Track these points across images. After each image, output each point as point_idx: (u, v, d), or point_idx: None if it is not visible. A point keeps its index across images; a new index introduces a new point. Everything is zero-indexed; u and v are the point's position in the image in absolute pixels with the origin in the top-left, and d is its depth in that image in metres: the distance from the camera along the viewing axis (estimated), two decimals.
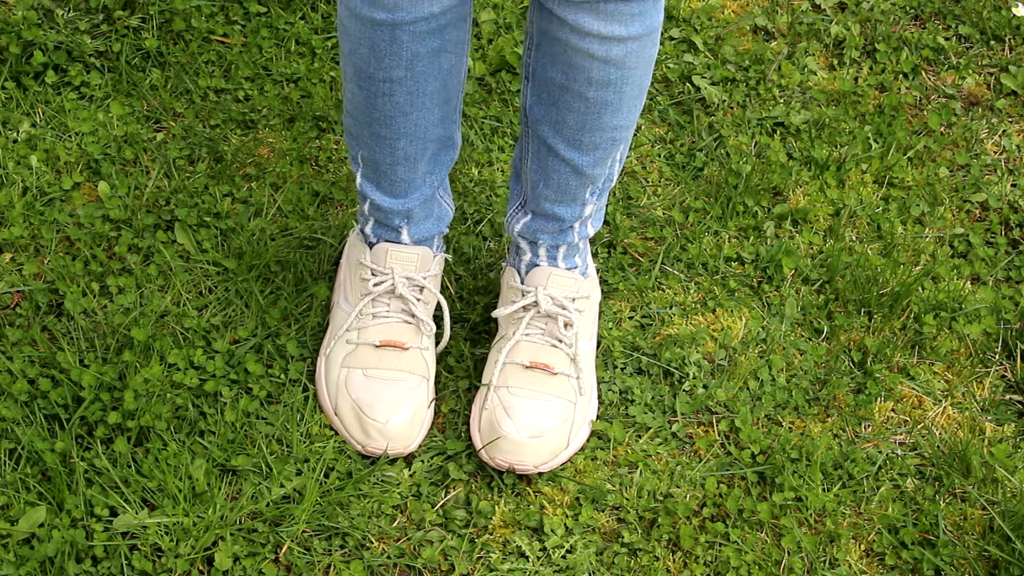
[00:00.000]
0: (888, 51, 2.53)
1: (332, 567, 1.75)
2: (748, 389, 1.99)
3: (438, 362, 1.95)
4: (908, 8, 2.62)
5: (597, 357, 1.99)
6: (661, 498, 1.85)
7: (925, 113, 2.44)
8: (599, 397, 1.95)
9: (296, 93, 2.31)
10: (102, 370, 1.85)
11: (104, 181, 2.13)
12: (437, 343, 1.94)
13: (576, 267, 1.93)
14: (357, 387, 1.86)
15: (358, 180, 1.87)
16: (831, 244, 2.19)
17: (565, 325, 1.90)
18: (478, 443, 1.85)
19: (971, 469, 1.90)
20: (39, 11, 2.32)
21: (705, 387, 1.98)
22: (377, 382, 1.86)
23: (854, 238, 2.21)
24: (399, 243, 1.90)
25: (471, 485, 1.85)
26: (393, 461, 1.85)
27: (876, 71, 2.50)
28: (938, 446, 1.94)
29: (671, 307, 2.08)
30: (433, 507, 1.82)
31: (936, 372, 2.04)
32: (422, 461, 1.86)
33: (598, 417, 1.93)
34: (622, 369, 1.99)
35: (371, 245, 1.92)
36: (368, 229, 1.91)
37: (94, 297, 1.98)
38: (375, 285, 1.89)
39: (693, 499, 1.85)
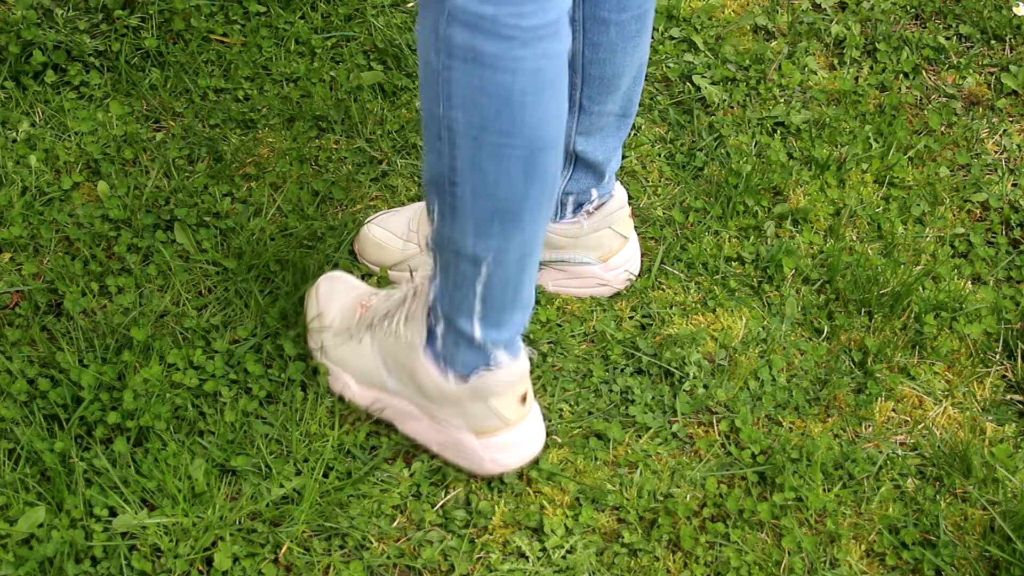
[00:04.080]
0: (888, 50, 2.53)
1: (332, 567, 1.75)
2: (748, 389, 1.98)
3: None
4: (908, 7, 2.62)
5: (597, 357, 1.99)
6: (661, 498, 1.85)
7: (925, 113, 2.44)
8: (599, 393, 1.95)
9: (296, 93, 2.31)
10: (101, 370, 1.85)
11: (104, 181, 2.13)
12: None
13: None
14: None
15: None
16: (831, 244, 2.19)
17: None
18: None
19: (972, 469, 1.90)
20: (39, 11, 2.32)
21: (705, 387, 1.98)
22: None
23: (854, 238, 2.21)
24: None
25: (471, 485, 1.85)
26: (393, 460, 1.85)
27: (876, 71, 2.50)
28: (939, 446, 1.94)
29: (671, 307, 2.08)
30: (433, 507, 1.82)
31: (937, 372, 2.04)
32: (422, 461, 1.86)
33: (599, 416, 1.93)
34: (622, 369, 1.99)
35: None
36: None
37: (93, 297, 1.98)
38: None
39: (693, 499, 1.85)
